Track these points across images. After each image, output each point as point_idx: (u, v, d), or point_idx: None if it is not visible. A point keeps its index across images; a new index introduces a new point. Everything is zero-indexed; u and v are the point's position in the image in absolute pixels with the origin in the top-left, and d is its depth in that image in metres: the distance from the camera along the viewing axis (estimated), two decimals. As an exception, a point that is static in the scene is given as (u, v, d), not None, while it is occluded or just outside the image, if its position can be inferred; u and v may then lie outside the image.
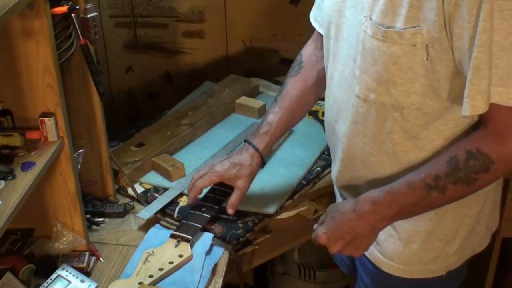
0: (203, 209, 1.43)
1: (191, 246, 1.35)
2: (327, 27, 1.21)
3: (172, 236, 1.37)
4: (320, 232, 1.16)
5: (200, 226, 1.39)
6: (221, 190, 1.45)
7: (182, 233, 1.37)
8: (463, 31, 0.96)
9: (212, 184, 1.43)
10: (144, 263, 1.31)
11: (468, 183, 1.03)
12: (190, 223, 1.40)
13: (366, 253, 1.26)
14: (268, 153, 1.45)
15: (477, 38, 0.94)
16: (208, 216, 1.41)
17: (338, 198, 1.38)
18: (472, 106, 0.98)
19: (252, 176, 1.41)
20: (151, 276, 1.27)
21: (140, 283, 1.25)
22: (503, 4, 0.92)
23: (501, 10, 0.92)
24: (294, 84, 1.38)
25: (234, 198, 1.39)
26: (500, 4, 0.92)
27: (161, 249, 1.35)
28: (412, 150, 1.12)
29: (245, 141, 1.43)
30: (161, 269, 1.29)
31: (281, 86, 1.42)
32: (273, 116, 1.39)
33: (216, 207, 1.43)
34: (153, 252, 1.33)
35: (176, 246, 1.35)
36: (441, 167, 1.04)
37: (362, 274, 1.34)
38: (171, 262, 1.31)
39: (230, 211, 1.39)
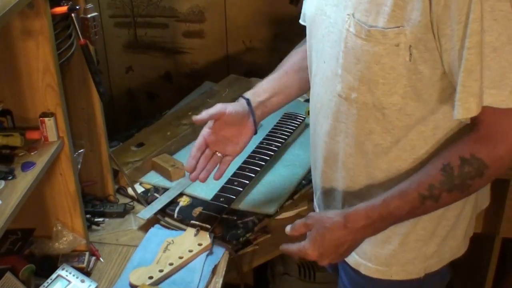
0: (221, 199, 1.46)
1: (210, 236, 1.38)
2: (309, 25, 1.21)
3: (192, 225, 1.40)
4: (310, 250, 1.13)
5: (218, 215, 1.42)
6: (239, 181, 1.49)
7: (201, 222, 1.40)
8: (453, 32, 0.95)
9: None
10: (164, 251, 1.34)
11: (463, 190, 1.02)
12: (209, 212, 1.43)
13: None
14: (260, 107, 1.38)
15: (468, 40, 0.93)
16: (226, 206, 1.44)
17: (316, 205, 1.37)
18: (465, 109, 0.97)
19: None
20: (171, 264, 1.30)
21: (160, 271, 1.28)
22: (495, 4, 0.91)
23: (492, 11, 0.91)
24: (296, 53, 1.39)
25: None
26: (492, 5, 0.91)
27: (180, 238, 1.38)
28: (393, 151, 1.11)
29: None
30: (181, 257, 1.32)
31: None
32: (269, 77, 1.38)
33: (234, 197, 1.46)
34: (172, 241, 1.37)
35: (195, 235, 1.38)
36: (435, 176, 1.02)
37: (342, 277, 1.33)
38: (190, 251, 1.34)
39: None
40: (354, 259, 1.24)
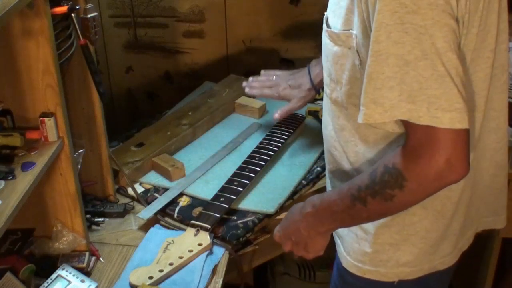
0: (221, 199, 1.46)
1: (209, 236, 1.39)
2: None
3: (192, 225, 1.40)
4: (275, 230, 1.23)
5: (218, 215, 1.42)
6: (239, 181, 1.50)
7: (201, 222, 1.40)
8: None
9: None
10: (164, 251, 1.34)
11: (386, 199, 1.00)
12: (209, 212, 1.43)
13: (336, 245, 1.28)
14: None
15: (370, 48, 0.92)
16: (226, 206, 1.44)
17: None
18: (365, 114, 0.95)
19: (305, 101, 1.61)
20: (171, 264, 1.31)
21: (160, 271, 1.29)
22: (404, 16, 0.88)
23: (402, 23, 0.89)
24: None
25: (285, 108, 1.61)
26: (401, 17, 0.89)
27: (180, 238, 1.38)
28: (361, 151, 1.12)
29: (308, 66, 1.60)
30: (181, 257, 1.33)
31: None
32: None
33: (234, 197, 1.47)
34: (172, 240, 1.37)
35: (195, 235, 1.38)
36: (364, 178, 1.03)
37: (334, 266, 1.35)
38: (190, 251, 1.34)
39: (276, 115, 1.62)
40: (339, 248, 1.26)
